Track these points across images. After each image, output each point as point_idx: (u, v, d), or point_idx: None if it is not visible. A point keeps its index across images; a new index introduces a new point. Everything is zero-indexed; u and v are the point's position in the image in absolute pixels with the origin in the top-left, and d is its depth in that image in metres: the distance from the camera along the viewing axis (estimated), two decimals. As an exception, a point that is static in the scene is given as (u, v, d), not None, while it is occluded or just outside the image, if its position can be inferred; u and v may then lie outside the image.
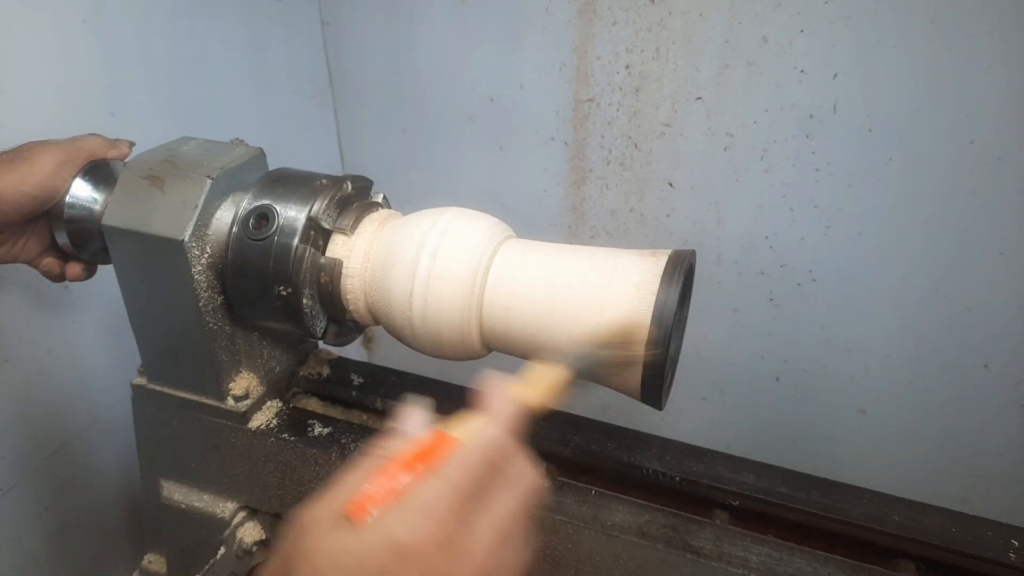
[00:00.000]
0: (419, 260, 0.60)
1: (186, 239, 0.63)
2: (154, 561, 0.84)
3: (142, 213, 0.64)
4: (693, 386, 1.33)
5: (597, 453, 0.73)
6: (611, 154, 1.20)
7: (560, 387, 0.44)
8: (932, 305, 1.11)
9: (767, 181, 1.12)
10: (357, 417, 0.81)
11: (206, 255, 0.65)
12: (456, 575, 0.33)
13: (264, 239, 0.63)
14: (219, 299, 0.68)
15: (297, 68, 1.28)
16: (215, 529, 0.75)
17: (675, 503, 0.69)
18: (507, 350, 0.62)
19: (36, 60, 0.81)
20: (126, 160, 0.71)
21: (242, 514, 0.76)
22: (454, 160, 1.33)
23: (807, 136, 1.06)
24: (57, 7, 0.82)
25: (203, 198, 0.64)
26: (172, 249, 0.63)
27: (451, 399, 0.71)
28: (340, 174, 0.70)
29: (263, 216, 0.64)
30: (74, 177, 0.67)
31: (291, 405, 0.77)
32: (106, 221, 0.65)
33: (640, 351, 0.52)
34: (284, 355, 0.78)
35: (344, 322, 0.69)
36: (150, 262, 0.65)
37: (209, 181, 0.64)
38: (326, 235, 0.65)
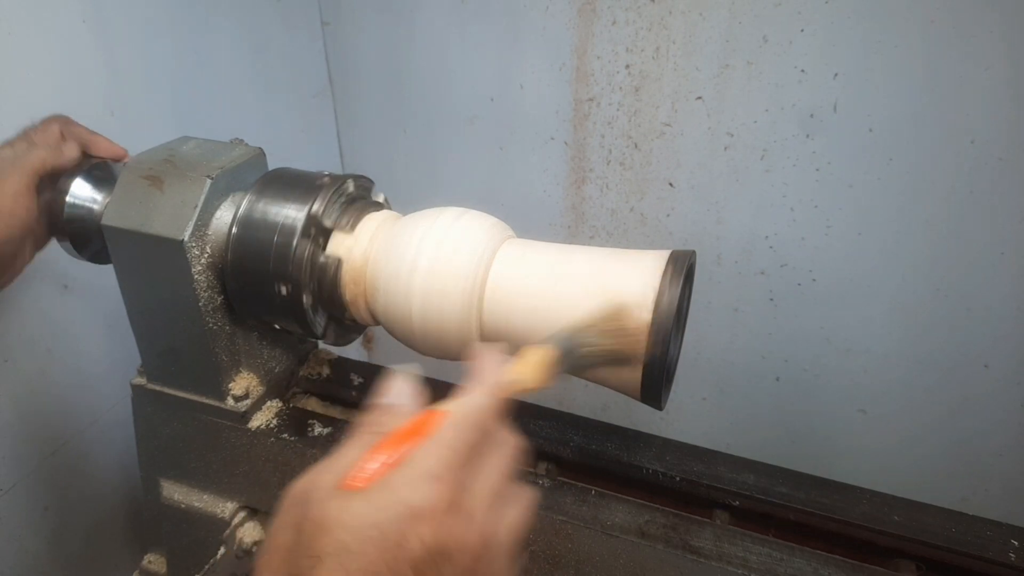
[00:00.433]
0: (419, 260, 0.60)
1: (186, 239, 0.63)
2: (154, 561, 0.84)
3: (142, 213, 0.64)
4: (693, 386, 1.34)
5: (597, 453, 0.73)
6: (611, 154, 1.20)
7: (551, 368, 0.44)
8: (932, 305, 1.11)
9: (767, 181, 1.12)
10: (357, 417, 0.81)
11: (206, 255, 0.65)
12: (462, 534, 0.34)
13: (265, 233, 0.63)
14: (219, 299, 0.68)
15: (297, 68, 1.28)
16: (215, 529, 0.75)
17: (675, 503, 0.69)
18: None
19: (36, 60, 0.81)
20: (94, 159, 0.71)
21: (242, 514, 0.76)
22: (454, 160, 1.33)
23: (807, 136, 1.06)
24: (57, 7, 0.82)
25: (203, 198, 0.64)
26: (172, 249, 0.63)
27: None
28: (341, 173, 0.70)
29: (262, 218, 0.64)
30: (34, 199, 0.66)
31: (291, 405, 0.77)
32: (106, 221, 0.65)
33: (629, 335, 0.52)
34: (284, 355, 0.78)
35: (344, 321, 0.70)
36: (150, 262, 0.65)
37: (209, 181, 0.64)
38: (326, 233, 0.65)
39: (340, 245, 0.65)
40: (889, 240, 1.09)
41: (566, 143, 1.22)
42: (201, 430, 0.74)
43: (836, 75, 1.01)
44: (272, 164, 0.72)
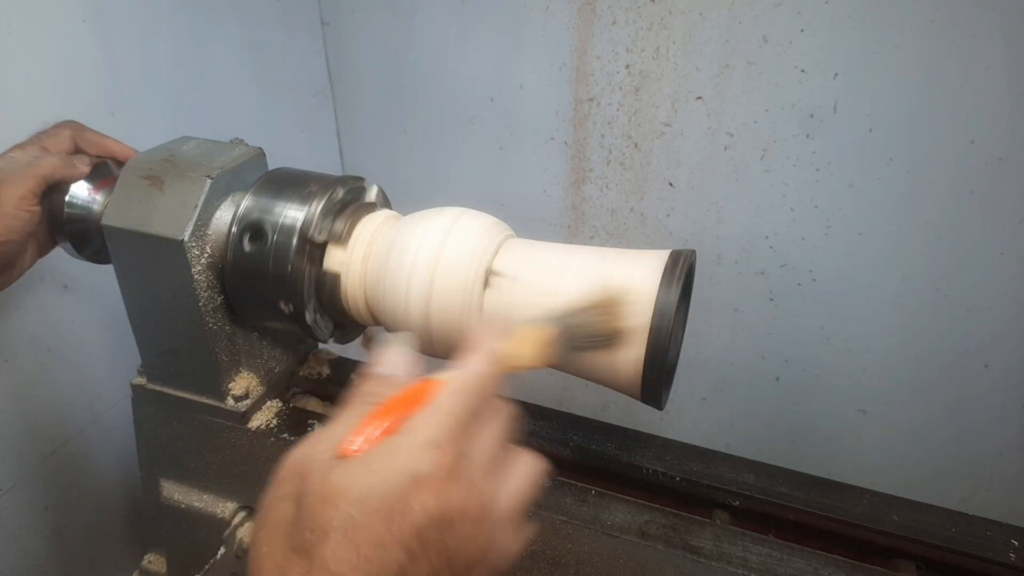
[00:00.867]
0: (419, 260, 0.60)
1: (186, 239, 0.63)
2: (154, 561, 0.84)
3: (142, 213, 0.64)
4: (693, 386, 1.33)
5: (597, 453, 0.73)
6: (611, 154, 1.20)
7: (547, 346, 0.44)
8: (932, 305, 1.11)
9: (767, 181, 1.12)
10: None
11: (206, 255, 0.65)
12: (464, 500, 0.34)
13: (260, 254, 0.63)
14: (219, 299, 0.68)
15: (297, 68, 1.28)
16: (215, 529, 0.75)
17: (675, 503, 0.69)
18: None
19: (36, 60, 0.81)
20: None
21: (242, 514, 0.76)
22: (454, 160, 1.33)
23: (807, 136, 1.06)
24: (57, 7, 0.82)
25: (203, 198, 0.64)
26: (172, 249, 0.63)
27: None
28: (337, 173, 0.70)
29: (257, 233, 0.64)
30: (38, 204, 0.66)
31: (291, 405, 0.77)
32: (106, 221, 0.65)
33: (623, 319, 0.52)
34: (284, 355, 0.78)
35: (347, 323, 0.70)
36: (150, 262, 0.65)
37: (209, 181, 0.64)
38: (322, 246, 0.65)
39: (335, 261, 0.65)
40: (889, 240, 1.09)
41: (566, 143, 1.22)
42: (201, 430, 0.74)
43: (836, 75, 1.01)
44: (272, 164, 0.72)
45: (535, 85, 1.19)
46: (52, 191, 0.68)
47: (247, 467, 0.74)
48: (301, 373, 0.82)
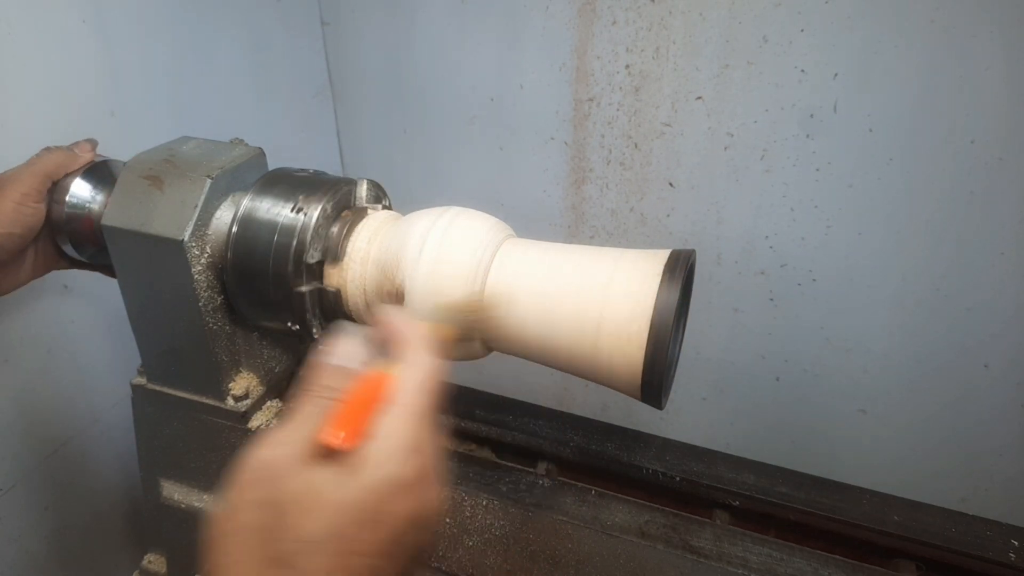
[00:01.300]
0: (419, 260, 0.60)
1: (186, 239, 0.63)
2: (154, 561, 0.84)
3: (142, 213, 0.64)
4: (693, 386, 1.34)
5: (597, 453, 0.73)
6: (611, 154, 1.20)
7: (445, 341, 0.45)
8: (932, 305, 1.11)
9: (767, 181, 1.12)
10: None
11: (206, 255, 0.65)
12: (432, 500, 0.35)
13: (261, 255, 0.64)
14: (219, 299, 0.68)
15: (297, 68, 1.28)
16: (215, 529, 0.74)
17: (675, 503, 0.69)
18: (507, 350, 0.62)
19: (36, 60, 0.81)
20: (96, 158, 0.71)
21: (242, 514, 0.75)
22: (454, 160, 1.33)
23: (807, 136, 1.06)
24: (57, 7, 0.82)
25: (203, 198, 0.64)
26: (172, 249, 0.63)
27: (450, 399, 0.71)
28: (335, 174, 0.69)
29: (257, 234, 0.64)
30: (42, 201, 0.67)
31: (291, 405, 0.77)
32: (106, 221, 0.65)
33: (474, 323, 0.56)
34: (284, 355, 0.78)
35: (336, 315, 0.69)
36: (150, 262, 0.65)
37: (209, 181, 0.64)
38: (319, 266, 0.65)
39: (333, 278, 0.65)
40: (889, 240, 1.09)
41: (566, 143, 1.22)
42: (201, 430, 0.74)
43: (836, 75, 1.01)
44: (272, 164, 0.72)
45: (535, 85, 1.19)
46: (56, 188, 0.68)
47: (247, 467, 0.73)
48: (301, 373, 0.82)
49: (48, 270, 0.73)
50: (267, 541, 0.31)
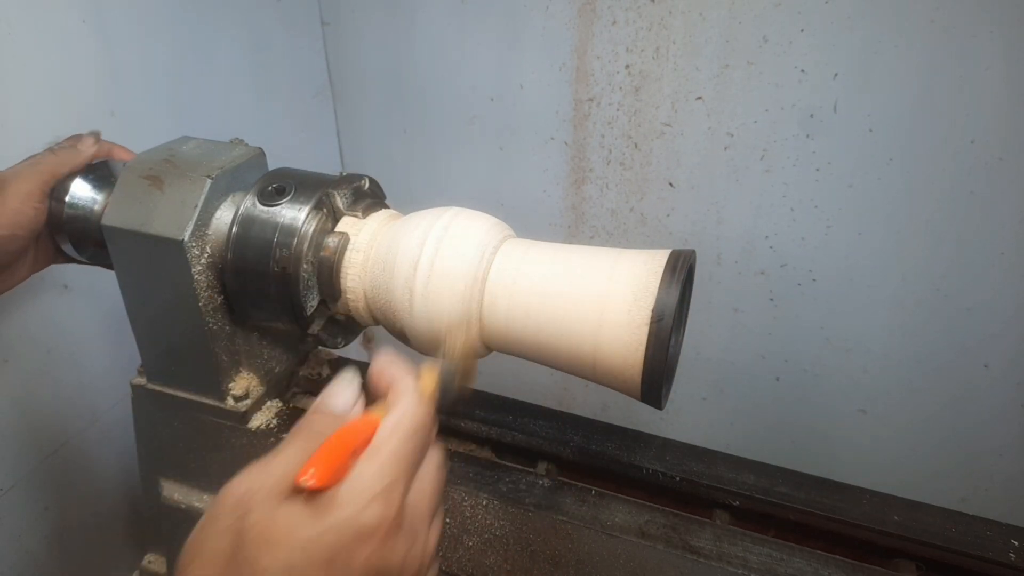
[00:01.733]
0: (419, 260, 0.60)
1: (186, 239, 0.63)
2: (154, 561, 0.84)
3: (142, 213, 0.64)
4: (693, 386, 1.34)
5: (597, 453, 0.73)
6: (611, 154, 1.20)
7: (436, 388, 0.44)
8: (932, 305, 1.11)
9: (767, 181, 1.12)
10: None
11: (206, 255, 0.65)
12: (403, 552, 0.34)
13: (276, 205, 0.64)
14: (219, 299, 0.68)
15: (297, 68, 1.28)
16: (215, 529, 0.74)
17: (675, 503, 0.69)
18: (507, 350, 0.62)
19: (36, 60, 0.81)
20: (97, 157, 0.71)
21: (242, 514, 0.75)
22: (454, 160, 1.33)
23: (807, 136, 1.06)
24: (57, 7, 0.82)
25: (203, 198, 0.64)
26: (172, 249, 0.63)
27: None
28: (334, 173, 0.69)
29: (280, 189, 0.65)
30: (44, 201, 0.67)
31: (291, 405, 0.77)
32: (106, 221, 0.65)
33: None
34: (284, 355, 0.78)
35: (335, 314, 0.68)
36: (150, 262, 0.65)
37: (209, 181, 0.64)
38: (337, 215, 0.66)
39: (350, 225, 0.65)
40: (889, 240, 1.09)
41: (566, 143, 1.22)
42: (201, 430, 0.74)
43: (836, 75, 1.01)
44: (272, 164, 0.72)
45: (535, 85, 1.19)
46: (58, 188, 0.68)
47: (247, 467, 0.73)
48: (301, 373, 0.82)
49: (45, 266, 0.73)
50: (228, 569, 0.33)
